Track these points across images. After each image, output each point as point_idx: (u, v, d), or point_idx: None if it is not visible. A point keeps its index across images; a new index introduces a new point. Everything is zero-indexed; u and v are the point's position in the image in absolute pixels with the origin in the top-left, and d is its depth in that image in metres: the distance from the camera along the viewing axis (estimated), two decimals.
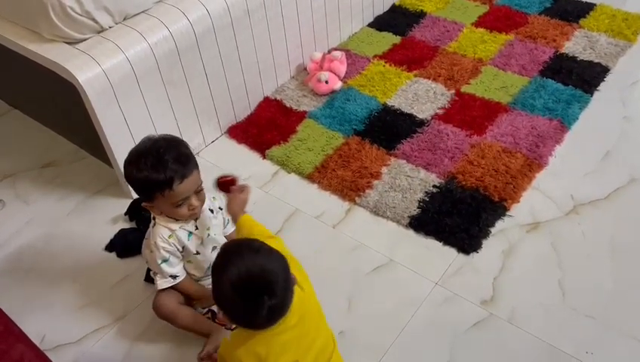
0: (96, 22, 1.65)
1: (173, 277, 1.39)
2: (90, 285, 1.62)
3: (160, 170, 1.25)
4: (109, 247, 1.71)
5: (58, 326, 1.52)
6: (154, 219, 1.38)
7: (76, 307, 1.57)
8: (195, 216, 1.36)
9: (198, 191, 1.32)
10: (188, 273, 1.44)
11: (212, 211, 1.44)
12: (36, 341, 1.36)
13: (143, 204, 1.34)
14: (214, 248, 1.45)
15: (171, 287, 1.40)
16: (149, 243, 1.37)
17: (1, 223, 1.83)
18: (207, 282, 1.48)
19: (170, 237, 1.35)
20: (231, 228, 1.51)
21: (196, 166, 1.32)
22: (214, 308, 1.46)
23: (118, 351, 1.46)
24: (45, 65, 1.64)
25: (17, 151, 2.10)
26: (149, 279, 1.52)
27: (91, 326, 1.52)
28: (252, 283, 0.99)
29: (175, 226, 1.36)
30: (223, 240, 1.48)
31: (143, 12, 1.75)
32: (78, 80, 1.56)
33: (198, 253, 1.42)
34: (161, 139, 1.31)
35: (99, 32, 1.68)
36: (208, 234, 1.42)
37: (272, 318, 1.03)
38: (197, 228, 1.40)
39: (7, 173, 2.02)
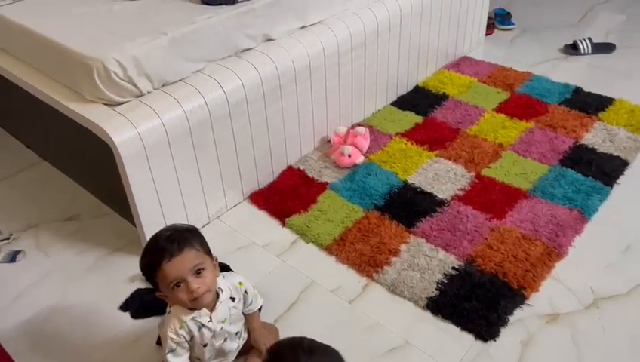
0: (137, 87, 1.73)
1: None
2: (101, 344, 1.61)
3: (151, 252, 1.29)
4: (124, 307, 1.70)
5: None
6: (169, 307, 1.37)
7: None
8: (198, 302, 1.30)
9: (198, 272, 1.29)
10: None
11: (233, 299, 1.41)
12: None
13: (157, 294, 1.34)
14: (226, 339, 1.42)
15: None
16: (161, 330, 1.36)
17: (20, 273, 1.85)
18: None
19: (180, 328, 1.33)
20: (255, 307, 1.49)
21: (194, 247, 1.29)
22: None
23: None
24: (83, 124, 1.70)
25: (43, 202, 2.14)
26: (161, 343, 1.51)
27: None
28: None
29: (187, 317, 1.33)
30: (236, 328, 1.44)
31: (181, 80, 1.83)
32: (113, 141, 1.61)
33: (205, 344, 1.38)
34: (172, 226, 1.35)
35: (137, 97, 1.76)
36: (222, 327, 1.38)
37: None
38: (210, 320, 1.36)
39: (32, 223, 2.05)
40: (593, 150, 2.21)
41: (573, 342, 1.54)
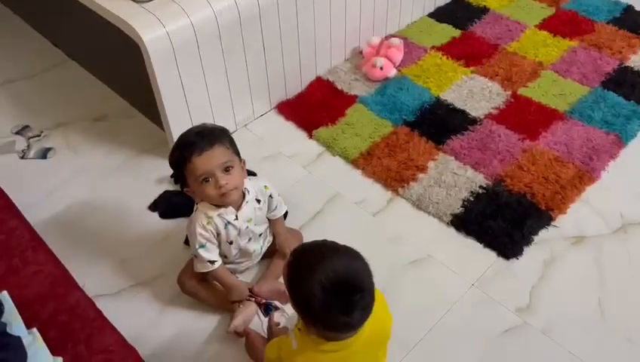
0: None
1: (212, 262, 1.39)
2: (130, 241, 1.66)
3: (182, 146, 1.29)
4: (153, 207, 1.74)
5: (97, 277, 1.57)
6: (197, 204, 1.39)
7: (116, 261, 1.61)
8: (226, 198, 1.32)
9: (227, 169, 1.30)
10: None
11: (259, 201, 1.43)
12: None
13: (185, 190, 1.36)
14: (250, 239, 1.45)
15: (206, 274, 1.41)
16: (189, 228, 1.39)
17: (51, 170, 1.89)
18: (236, 267, 1.51)
19: (208, 223, 1.36)
20: (279, 213, 1.51)
21: (224, 144, 1.31)
22: (275, 303, 1.43)
23: (152, 310, 1.50)
24: (111, 20, 1.66)
25: (71, 102, 2.14)
26: (189, 243, 1.55)
27: (129, 282, 1.56)
28: (345, 283, 0.97)
29: (214, 213, 1.36)
30: (260, 229, 1.47)
31: None
32: (142, 39, 1.57)
33: (231, 242, 1.41)
34: (202, 125, 1.34)
35: None
36: (247, 226, 1.41)
37: (363, 318, 1.01)
38: (237, 218, 1.38)
39: (60, 123, 2.06)
40: (639, 73, 2.10)
41: (597, 264, 1.54)
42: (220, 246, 1.42)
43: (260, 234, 1.49)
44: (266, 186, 1.45)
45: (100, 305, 1.48)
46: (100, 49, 2.05)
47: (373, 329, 1.07)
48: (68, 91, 2.20)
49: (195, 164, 1.27)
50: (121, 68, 1.97)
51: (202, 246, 1.37)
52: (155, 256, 1.62)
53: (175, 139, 1.38)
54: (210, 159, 1.28)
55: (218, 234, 1.39)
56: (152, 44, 1.58)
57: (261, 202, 1.44)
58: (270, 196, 1.47)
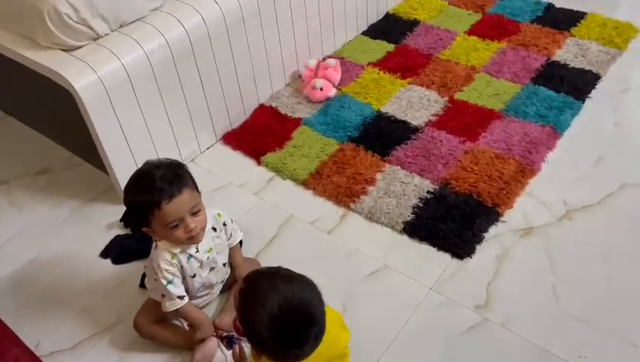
0: (92, 29, 1.66)
1: (180, 297, 1.37)
2: (84, 292, 1.62)
3: (148, 191, 1.26)
4: (104, 254, 1.71)
5: (52, 333, 1.52)
6: (156, 242, 1.37)
7: (71, 314, 1.57)
8: (194, 240, 1.34)
9: (195, 213, 1.31)
10: None
11: (215, 230, 1.43)
12: (31, 347, 1.36)
13: (144, 230, 1.34)
14: (212, 269, 1.44)
15: (159, 307, 1.39)
16: (153, 267, 1.37)
17: None
18: (197, 301, 1.49)
19: (172, 258, 1.35)
20: (236, 240, 1.51)
21: (190, 186, 1.31)
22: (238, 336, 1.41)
23: (112, 358, 1.46)
24: (41, 72, 1.65)
25: (12, 158, 2.10)
26: (144, 286, 1.52)
27: (85, 333, 1.52)
28: (297, 316, 0.96)
29: (176, 250, 1.35)
30: (223, 259, 1.46)
31: (139, 20, 1.76)
32: (73, 86, 1.56)
33: (194, 275, 1.40)
34: (157, 162, 1.32)
35: (95, 40, 1.69)
36: (208, 257, 1.41)
37: (313, 348, 0.99)
38: (197, 251, 1.38)
39: (2, 180, 2.01)
40: (565, 66, 2.20)
41: (547, 253, 1.59)
42: (183, 280, 1.40)
43: (224, 264, 1.48)
44: (219, 214, 1.46)
45: (57, 360, 1.45)
46: (37, 102, 2.02)
47: (328, 346, 1.06)
48: (8, 148, 2.15)
49: (166, 210, 1.26)
50: (59, 118, 1.94)
51: (170, 282, 1.35)
52: (111, 303, 1.58)
53: (122, 184, 1.37)
54: (181, 205, 1.27)
55: (182, 267, 1.37)
56: (85, 90, 1.58)
57: (217, 230, 1.43)
58: (224, 224, 1.46)
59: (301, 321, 0.97)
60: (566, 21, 2.42)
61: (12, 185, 1.99)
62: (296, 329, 0.97)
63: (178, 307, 1.37)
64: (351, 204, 1.77)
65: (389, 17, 2.60)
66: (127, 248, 1.68)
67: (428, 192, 1.77)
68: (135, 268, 1.64)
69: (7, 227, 1.84)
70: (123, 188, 1.36)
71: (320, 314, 1.00)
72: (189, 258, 1.37)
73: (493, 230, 1.66)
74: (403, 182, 1.81)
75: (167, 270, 1.34)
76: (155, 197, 1.25)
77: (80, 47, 1.67)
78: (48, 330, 1.53)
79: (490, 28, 2.45)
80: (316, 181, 1.87)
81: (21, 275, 1.69)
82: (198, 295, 1.48)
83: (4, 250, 1.76)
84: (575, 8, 2.49)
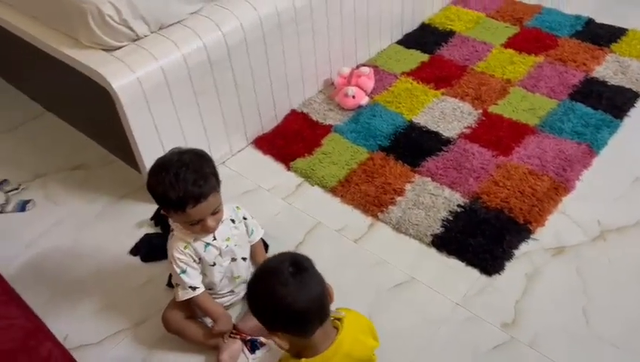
0: (133, 30, 1.69)
1: (193, 288, 1.38)
2: (113, 288, 1.65)
3: (176, 190, 1.24)
4: (134, 251, 1.73)
5: (80, 327, 1.55)
6: (172, 230, 1.39)
7: (98, 309, 1.60)
8: (208, 234, 1.36)
9: (215, 213, 1.32)
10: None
11: (233, 221, 1.44)
12: (59, 340, 1.39)
13: (162, 211, 1.37)
14: (233, 259, 1.45)
15: (189, 302, 1.40)
16: (169, 255, 1.39)
17: (30, 222, 1.88)
18: (222, 300, 1.49)
19: (185, 248, 1.36)
20: (257, 237, 1.52)
21: (215, 188, 1.30)
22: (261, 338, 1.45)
23: (137, 355, 1.48)
24: (82, 70, 1.69)
25: (49, 153, 2.15)
26: (172, 285, 1.54)
27: (112, 329, 1.54)
28: (313, 305, 1.07)
29: (191, 238, 1.37)
30: (242, 253, 1.47)
31: (178, 22, 1.79)
32: (112, 86, 1.60)
33: (214, 264, 1.41)
34: (187, 154, 1.30)
35: (134, 41, 1.73)
36: (227, 245, 1.42)
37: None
38: (215, 239, 1.39)
39: (39, 174, 2.07)
40: (604, 83, 2.15)
41: (579, 274, 1.55)
42: (204, 273, 1.41)
43: (244, 259, 1.49)
44: (237, 207, 1.47)
45: (83, 355, 1.48)
46: (75, 99, 2.07)
47: (354, 348, 1.08)
48: (46, 143, 2.21)
49: (189, 214, 1.28)
50: (96, 116, 1.99)
51: (183, 271, 1.37)
52: (139, 300, 1.61)
53: None
54: (205, 210, 1.29)
55: (200, 259, 1.39)
56: (122, 89, 1.61)
57: (236, 222, 1.45)
58: (244, 218, 1.47)
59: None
60: (606, 37, 2.38)
61: (48, 179, 2.04)
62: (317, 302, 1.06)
63: (191, 296, 1.38)
64: (379, 214, 1.76)
65: (424, 27, 2.58)
66: (157, 246, 1.70)
67: (458, 206, 1.75)
68: (163, 266, 1.65)
69: (42, 220, 1.88)
70: (149, 169, 1.33)
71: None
72: (206, 246, 1.38)
73: (523, 247, 1.63)
74: (433, 194, 1.79)
75: (180, 259, 1.36)
76: (183, 200, 1.25)
77: (120, 47, 1.70)
78: (76, 324, 1.56)
79: (527, 41, 2.41)
80: (345, 189, 1.86)
81: (53, 267, 1.73)
82: (221, 292, 1.49)
83: (37, 243, 1.80)
84: (616, 24, 2.44)
